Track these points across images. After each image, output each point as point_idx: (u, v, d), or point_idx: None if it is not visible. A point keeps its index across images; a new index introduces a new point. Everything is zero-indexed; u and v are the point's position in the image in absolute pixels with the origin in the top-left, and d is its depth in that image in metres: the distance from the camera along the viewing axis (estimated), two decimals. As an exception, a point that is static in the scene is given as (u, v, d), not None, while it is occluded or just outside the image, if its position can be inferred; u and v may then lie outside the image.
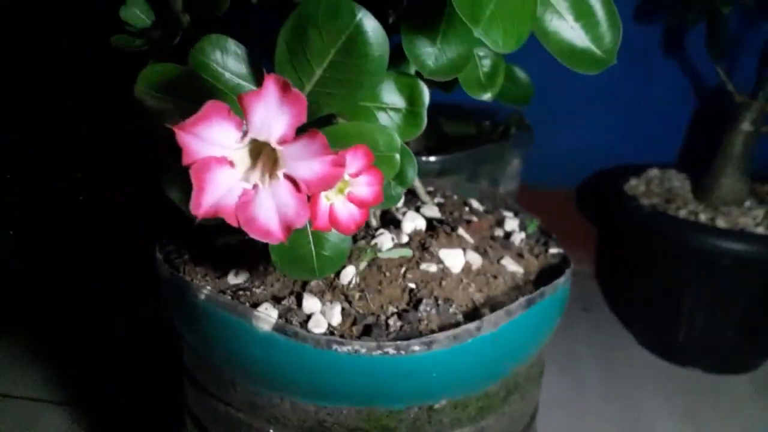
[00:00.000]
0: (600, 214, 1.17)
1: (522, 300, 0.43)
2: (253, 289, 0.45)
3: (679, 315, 0.94)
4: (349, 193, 0.34)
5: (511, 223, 0.59)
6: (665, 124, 1.13)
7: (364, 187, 0.34)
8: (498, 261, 0.50)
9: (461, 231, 0.51)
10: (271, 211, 0.31)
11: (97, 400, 0.82)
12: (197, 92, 0.34)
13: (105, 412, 0.80)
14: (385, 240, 0.49)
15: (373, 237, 0.49)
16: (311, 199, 0.32)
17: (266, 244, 0.47)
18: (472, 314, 0.45)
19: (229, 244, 0.51)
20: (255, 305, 0.43)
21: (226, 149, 0.30)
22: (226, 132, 0.30)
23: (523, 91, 0.51)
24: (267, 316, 0.41)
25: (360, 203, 0.34)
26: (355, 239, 0.50)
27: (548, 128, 1.10)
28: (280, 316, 0.43)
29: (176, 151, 0.38)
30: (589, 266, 1.22)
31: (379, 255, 0.46)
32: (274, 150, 0.31)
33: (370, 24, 0.33)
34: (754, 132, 0.91)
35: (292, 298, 0.44)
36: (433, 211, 0.57)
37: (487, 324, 0.42)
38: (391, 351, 0.40)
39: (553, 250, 0.55)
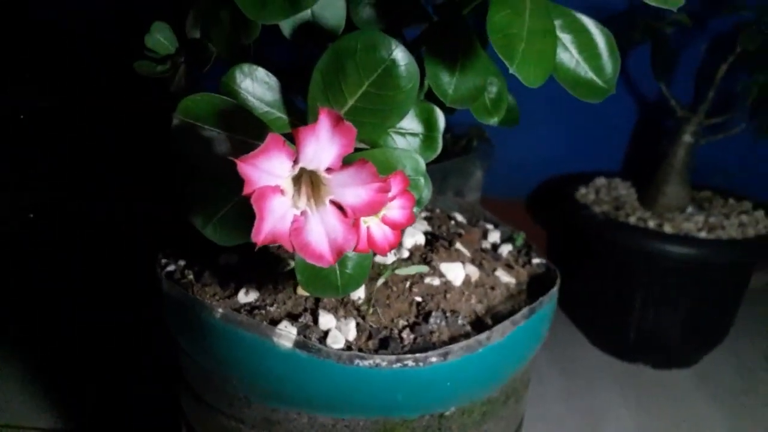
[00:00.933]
0: (550, 221, 1.23)
1: (525, 310, 0.46)
2: (267, 308, 0.46)
3: (630, 315, 1.00)
4: (383, 216, 0.36)
5: (494, 235, 0.62)
6: (610, 134, 1.20)
7: (397, 210, 0.36)
8: (493, 272, 0.53)
9: (458, 245, 0.54)
10: (321, 236, 0.32)
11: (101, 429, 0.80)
12: (235, 121, 0.35)
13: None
14: (388, 255, 0.51)
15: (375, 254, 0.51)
16: (354, 224, 0.34)
17: (273, 262, 0.48)
18: (477, 324, 0.48)
19: (231, 264, 0.52)
20: (272, 323, 0.45)
21: (279, 178, 0.32)
22: (281, 163, 0.31)
23: (512, 114, 0.54)
24: (288, 333, 0.43)
25: (393, 225, 0.36)
26: (358, 255, 0.51)
27: (501, 140, 1.15)
28: (298, 333, 0.44)
29: (200, 178, 0.39)
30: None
31: (398, 272, 0.48)
32: (318, 177, 0.33)
33: (404, 58, 0.35)
34: (694, 143, 0.99)
35: (308, 315, 0.45)
36: (423, 226, 0.59)
37: (496, 333, 0.44)
38: (410, 363, 0.42)
39: (536, 260, 0.59)
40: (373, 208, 0.32)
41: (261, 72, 0.38)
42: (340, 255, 0.32)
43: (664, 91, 1.00)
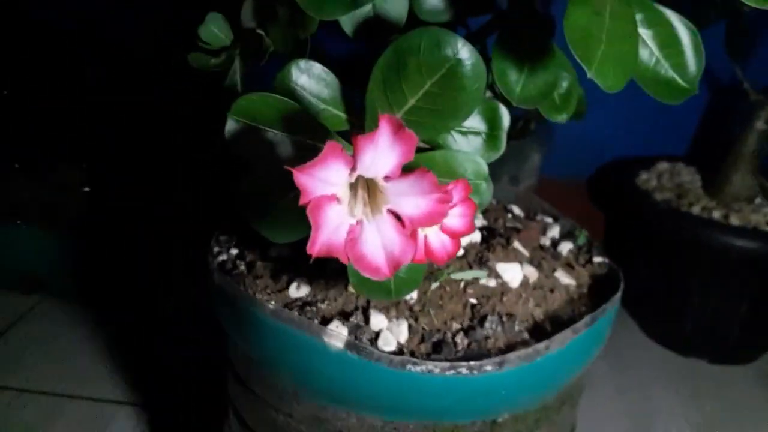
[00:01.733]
0: (610, 206, 1.18)
1: (587, 318, 0.44)
2: (318, 304, 0.45)
3: (687, 307, 0.96)
4: (443, 223, 0.34)
5: (554, 230, 0.60)
6: (676, 116, 1.14)
7: (457, 218, 0.34)
8: (552, 273, 0.51)
9: (516, 243, 0.52)
10: (377, 247, 0.31)
11: (161, 402, 0.82)
12: (293, 122, 0.34)
13: (169, 414, 0.80)
14: (443, 253, 0.49)
15: (431, 250, 0.49)
16: (411, 234, 0.32)
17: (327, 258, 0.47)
18: (534, 330, 0.46)
19: (282, 256, 0.51)
20: (323, 321, 0.44)
21: (336, 186, 0.30)
22: (338, 171, 0.30)
23: (581, 106, 0.51)
24: (339, 334, 0.42)
25: (453, 234, 0.35)
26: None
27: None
28: (349, 333, 0.43)
29: (255, 177, 0.38)
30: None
31: (453, 276, 0.47)
32: (375, 184, 0.31)
33: (471, 57, 0.33)
34: (767, 130, 0.93)
35: (360, 315, 0.44)
36: (479, 219, 0.57)
37: (555, 343, 0.42)
38: (464, 371, 0.40)
39: (597, 259, 0.56)
40: (432, 219, 0.31)
41: (318, 67, 0.36)
42: (396, 268, 0.31)
43: (738, 74, 0.93)
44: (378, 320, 0.44)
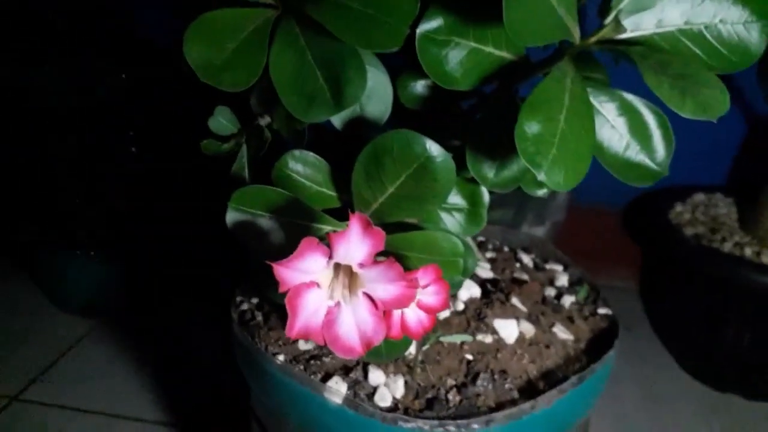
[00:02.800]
0: (643, 238, 1.18)
1: (574, 378, 0.46)
2: (323, 359, 0.49)
3: (722, 342, 0.95)
4: (419, 300, 0.38)
5: (562, 279, 0.62)
6: (714, 145, 1.13)
7: (432, 296, 0.38)
8: (550, 329, 0.54)
9: (514, 299, 0.54)
10: (352, 328, 0.35)
11: (169, 415, 0.88)
12: (285, 208, 0.38)
13: (181, 429, 0.86)
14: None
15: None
16: (385, 314, 0.36)
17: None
18: (526, 387, 0.48)
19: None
20: (326, 375, 0.48)
21: (314, 274, 0.34)
22: (315, 261, 0.34)
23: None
24: (338, 390, 0.46)
25: (428, 310, 0.38)
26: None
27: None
28: (349, 388, 0.47)
29: (256, 257, 0.42)
30: (635, 284, 1.23)
31: (442, 339, 0.50)
32: (352, 270, 0.35)
33: (439, 155, 0.36)
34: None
35: (359, 370, 0.48)
36: (485, 270, 0.60)
37: (541, 402, 0.45)
38: (452, 429, 0.44)
39: (602, 311, 0.58)
40: (401, 302, 0.34)
41: (311, 156, 0.40)
42: (369, 347, 0.35)
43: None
44: (376, 376, 0.48)
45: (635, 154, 0.39)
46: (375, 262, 0.34)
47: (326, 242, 0.34)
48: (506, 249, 0.67)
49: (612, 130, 0.39)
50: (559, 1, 0.32)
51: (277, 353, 0.50)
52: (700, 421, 0.92)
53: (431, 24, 0.35)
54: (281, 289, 0.33)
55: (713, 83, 0.32)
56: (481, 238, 0.68)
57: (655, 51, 0.34)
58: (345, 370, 0.48)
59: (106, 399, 0.91)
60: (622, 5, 0.34)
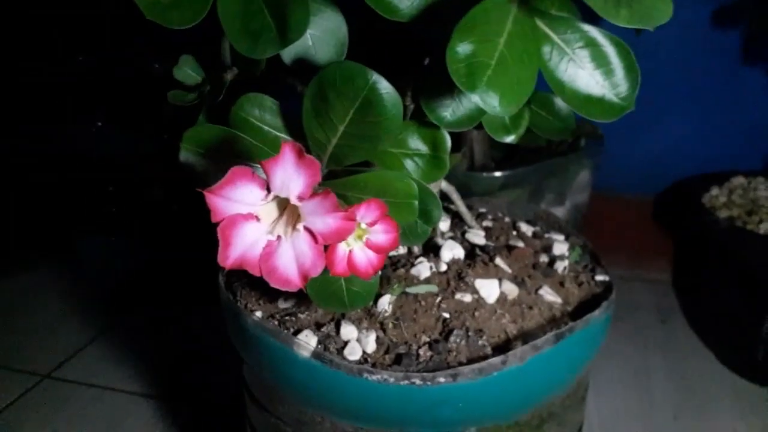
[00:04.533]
0: (678, 224, 1.13)
1: (549, 335, 0.44)
2: (299, 315, 0.49)
3: (759, 333, 0.89)
4: (367, 240, 0.37)
5: (560, 248, 0.59)
6: (753, 128, 1.07)
7: (381, 234, 0.37)
8: (536, 291, 0.52)
9: (498, 260, 0.53)
10: (290, 261, 0.34)
11: (187, 395, 0.90)
12: (234, 150, 0.38)
13: (194, 407, 0.88)
14: (423, 269, 0.51)
15: (413, 265, 0.52)
16: (329, 248, 0.36)
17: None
18: (503, 346, 0.46)
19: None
20: (298, 331, 0.47)
21: (252, 206, 0.34)
22: (250, 192, 0.34)
23: (565, 123, 0.51)
24: (306, 343, 0.45)
25: (377, 249, 0.37)
26: (396, 267, 0.52)
27: (625, 134, 1.07)
28: (319, 342, 0.46)
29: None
30: (669, 275, 1.18)
31: (407, 290, 0.49)
32: (293, 205, 0.35)
33: (383, 87, 0.35)
34: None
35: (332, 326, 0.47)
36: (478, 237, 0.58)
37: (512, 358, 0.43)
38: (418, 381, 0.42)
39: (599, 278, 0.56)
40: (339, 234, 0.34)
41: (267, 99, 0.40)
42: (306, 279, 0.34)
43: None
44: (348, 331, 0.47)
45: (598, 88, 0.37)
46: (313, 195, 0.34)
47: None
48: (507, 219, 0.65)
49: (572, 63, 0.37)
50: None
51: (255, 310, 0.50)
52: (738, 417, 0.87)
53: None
54: (213, 219, 0.33)
55: (655, -6, 0.30)
56: (482, 209, 0.67)
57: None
58: (318, 326, 0.48)
59: (131, 379, 0.94)
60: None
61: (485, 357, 0.45)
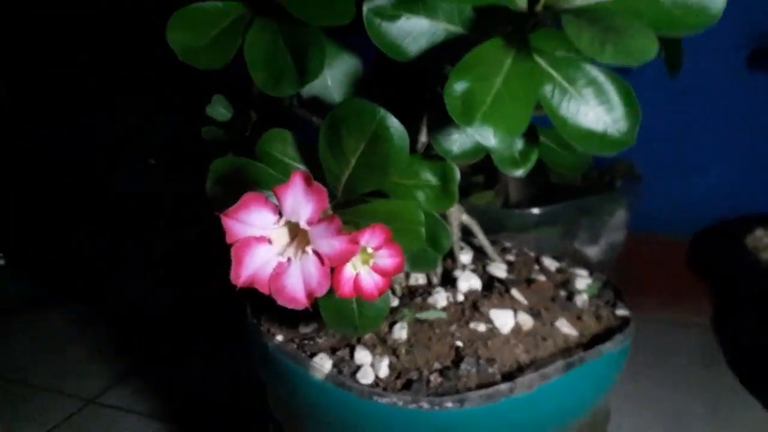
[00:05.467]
0: (717, 265, 1.10)
1: (559, 363, 0.45)
2: (317, 340, 0.51)
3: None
4: (373, 264, 0.39)
5: (582, 282, 0.60)
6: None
7: (386, 258, 0.39)
8: (552, 323, 0.52)
9: (515, 292, 0.54)
10: (298, 281, 0.37)
11: (221, 423, 0.93)
12: (255, 181, 0.41)
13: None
14: (440, 298, 0.53)
15: (430, 294, 0.53)
16: (335, 271, 0.38)
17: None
18: (514, 375, 0.47)
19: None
20: (314, 354, 0.49)
21: (264, 229, 0.37)
22: (263, 216, 0.36)
23: (578, 157, 0.53)
24: (321, 366, 0.47)
25: (383, 273, 0.39)
26: (414, 296, 0.54)
27: (665, 174, 1.07)
28: (334, 366, 0.48)
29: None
30: (708, 318, 1.14)
31: (417, 316, 0.50)
32: (303, 229, 0.37)
33: (391, 122, 0.38)
34: None
35: (347, 350, 0.49)
36: (499, 270, 0.59)
37: (521, 385, 0.44)
38: (425, 405, 0.44)
39: (619, 312, 0.56)
40: (344, 256, 0.36)
41: (289, 134, 0.44)
42: (312, 298, 0.36)
43: None
44: (362, 356, 0.49)
45: (600, 125, 0.39)
46: (320, 220, 0.36)
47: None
48: (531, 254, 0.66)
49: (573, 101, 0.39)
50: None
51: (276, 334, 0.53)
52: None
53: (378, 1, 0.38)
54: (227, 240, 0.36)
55: (641, 32, 0.32)
56: (507, 244, 0.68)
57: (590, 11, 0.34)
58: (333, 350, 0.50)
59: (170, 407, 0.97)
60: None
61: (495, 384, 0.46)
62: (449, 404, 0.43)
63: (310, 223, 0.36)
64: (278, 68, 0.40)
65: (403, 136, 0.38)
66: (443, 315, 0.50)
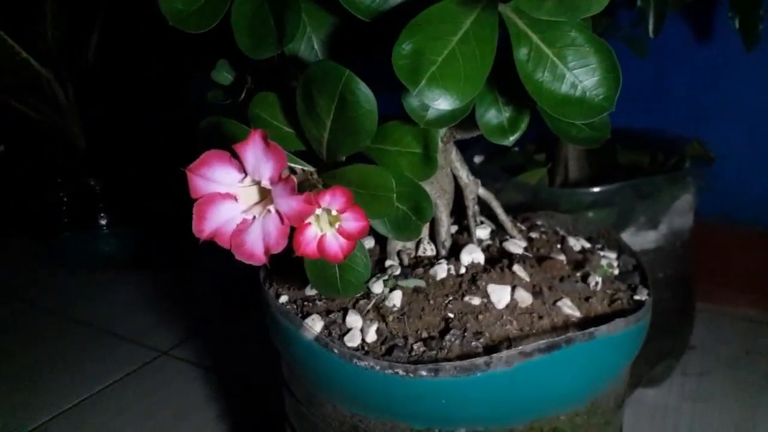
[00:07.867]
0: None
1: (541, 342, 0.44)
2: (317, 302, 0.52)
3: None
4: (339, 226, 0.39)
5: (602, 263, 0.57)
6: None
7: (351, 222, 0.39)
8: (554, 303, 0.50)
9: (516, 268, 0.52)
10: (257, 238, 0.38)
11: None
12: (233, 139, 0.43)
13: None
14: (440, 270, 0.52)
15: (432, 265, 0.53)
16: (297, 230, 0.38)
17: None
18: (497, 350, 0.46)
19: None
20: (309, 315, 0.51)
21: (229, 187, 0.38)
22: (227, 173, 0.38)
23: (596, 130, 0.50)
24: (310, 327, 0.48)
25: (348, 236, 0.39)
26: (416, 266, 0.54)
27: (743, 157, 0.98)
28: (325, 327, 0.49)
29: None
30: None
31: (399, 283, 0.50)
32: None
33: (356, 85, 0.38)
34: None
35: (340, 313, 0.50)
36: (516, 246, 0.58)
37: (497, 361, 0.43)
38: (401, 372, 0.44)
39: (638, 297, 0.53)
40: (301, 216, 0.37)
41: (273, 97, 0.45)
42: (268, 254, 0.37)
43: None
44: (353, 320, 0.49)
45: (578, 90, 0.37)
46: (280, 179, 0.37)
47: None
48: (561, 233, 0.63)
49: (551, 64, 0.37)
50: None
51: (282, 294, 0.54)
52: None
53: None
54: (191, 195, 0.38)
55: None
56: (539, 222, 0.66)
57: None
58: (327, 312, 0.51)
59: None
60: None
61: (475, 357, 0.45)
62: (423, 372, 0.43)
63: (271, 182, 0.37)
64: (261, 32, 0.41)
65: (369, 99, 0.38)
66: (422, 283, 0.50)
